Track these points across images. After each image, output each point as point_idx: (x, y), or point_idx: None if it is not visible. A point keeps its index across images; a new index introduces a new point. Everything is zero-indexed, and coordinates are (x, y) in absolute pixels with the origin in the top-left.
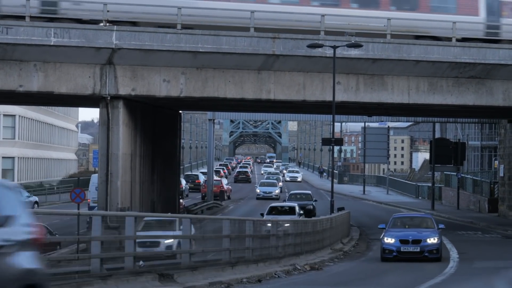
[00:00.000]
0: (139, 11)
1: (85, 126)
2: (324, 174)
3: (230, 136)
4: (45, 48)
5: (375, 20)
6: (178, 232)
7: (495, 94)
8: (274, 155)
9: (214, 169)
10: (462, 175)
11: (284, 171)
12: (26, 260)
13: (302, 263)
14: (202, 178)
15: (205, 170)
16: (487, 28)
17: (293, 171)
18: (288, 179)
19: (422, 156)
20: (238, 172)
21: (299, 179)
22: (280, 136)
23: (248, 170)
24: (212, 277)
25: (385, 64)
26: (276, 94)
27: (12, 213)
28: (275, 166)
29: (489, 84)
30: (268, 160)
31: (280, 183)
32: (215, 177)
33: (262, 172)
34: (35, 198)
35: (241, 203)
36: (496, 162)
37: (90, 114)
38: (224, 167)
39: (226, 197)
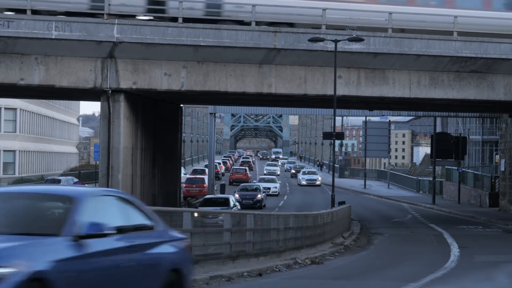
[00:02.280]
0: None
1: (86, 120)
2: (324, 167)
3: (231, 130)
4: (46, 41)
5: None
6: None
7: (496, 88)
8: (280, 150)
9: (221, 160)
10: (463, 169)
11: (293, 171)
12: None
13: (303, 257)
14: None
15: (218, 161)
16: None
17: (309, 172)
18: (304, 182)
19: (423, 150)
20: (242, 161)
21: (317, 183)
22: (281, 130)
23: (251, 160)
24: (213, 271)
25: (386, 58)
26: (277, 88)
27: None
28: (280, 163)
29: (490, 78)
30: (273, 157)
31: (260, 195)
32: (241, 166)
33: (265, 171)
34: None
35: None
36: (497, 156)
37: (91, 107)
38: (229, 158)
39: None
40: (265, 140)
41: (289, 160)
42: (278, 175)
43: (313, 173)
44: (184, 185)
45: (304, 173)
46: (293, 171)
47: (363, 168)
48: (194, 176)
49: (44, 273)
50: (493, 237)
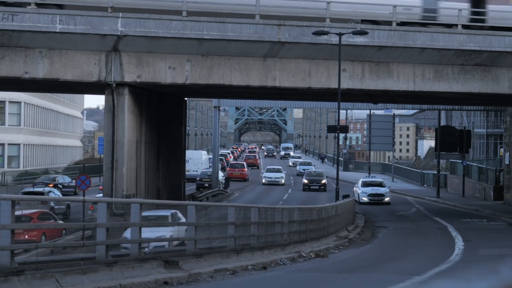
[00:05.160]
0: None
1: (91, 113)
2: (326, 160)
3: (235, 123)
4: (50, 35)
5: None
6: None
7: (501, 81)
8: (290, 145)
9: (230, 150)
10: (467, 162)
11: (305, 180)
12: None
13: (307, 250)
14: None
15: (228, 151)
16: None
17: (373, 184)
18: (365, 199)
19: (428, 143)
20: (249, 151)
21: (386, 200)
22: (285, 123)
23: (256, 152)
24: (217, 264)
25: (391, 51)
26: (281, 81)
27: None
28: (291, 163)
29: (495, 71)
30: (282, 153)
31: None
32: (251, 153)
33: (264, 180)
34: None
35: (246, 190)
36: (502, 149)
37: (96, 101)
38: (236, 149)
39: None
40: (269, 133)
41: (303, 160)
42: (282, 184)
43: (379, 184)
44: (228, 169)
45: (365, 184)
46: (305, 181)
47: (367, 161)
48: (236, 162)
49: None
50: (497, 231)
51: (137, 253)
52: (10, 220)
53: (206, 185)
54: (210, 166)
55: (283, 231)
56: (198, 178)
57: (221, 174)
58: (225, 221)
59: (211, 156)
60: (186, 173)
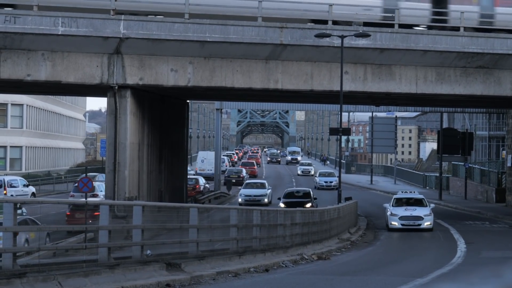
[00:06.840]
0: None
1: (93, 116)
2: (328, 162)
3: (237, 126)
4: (53, 37)
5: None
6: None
7: (503, 84)
8: (298, 149)
9: (234, 151)
10: (469, 165)
11: (387, 207)
12: None
13: (309, 252)
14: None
15: (232, 152)
16: None
17: (410, 201)
18: (396, 224)
19: (430, 146)
20: (251, 152)
21: (427, 224)
22: (287, 126)
23: (258, 155)
24: (220, 267)
25: (393, 54)
26: (283, 84)
27: None
28: (300, 172)
29: (497, 74)
30: (289, 158)
31: None
32: (253, 153)
33: (240, 200)
34: None
35: None
36: (504, 152)
37: (98, 103)
38: (240, 150)
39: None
40: (272, 135)
41: (324, 169)
42: (265, 204)
43: (419, 202)
44: (241, 166)
45: (398, 203)
46: (281, 204)
47: (369, 163)
48: (247, 161)
49: None
50: (500, 233)
51: (139, 255)
52: (12, 222)
53: (234, 181)
54: (226, 165)
55: (285, 234)
56: (226, 175)
57: (244, 171)
58: (227, 224)
59: (222, 156)
60: (201, 172)
